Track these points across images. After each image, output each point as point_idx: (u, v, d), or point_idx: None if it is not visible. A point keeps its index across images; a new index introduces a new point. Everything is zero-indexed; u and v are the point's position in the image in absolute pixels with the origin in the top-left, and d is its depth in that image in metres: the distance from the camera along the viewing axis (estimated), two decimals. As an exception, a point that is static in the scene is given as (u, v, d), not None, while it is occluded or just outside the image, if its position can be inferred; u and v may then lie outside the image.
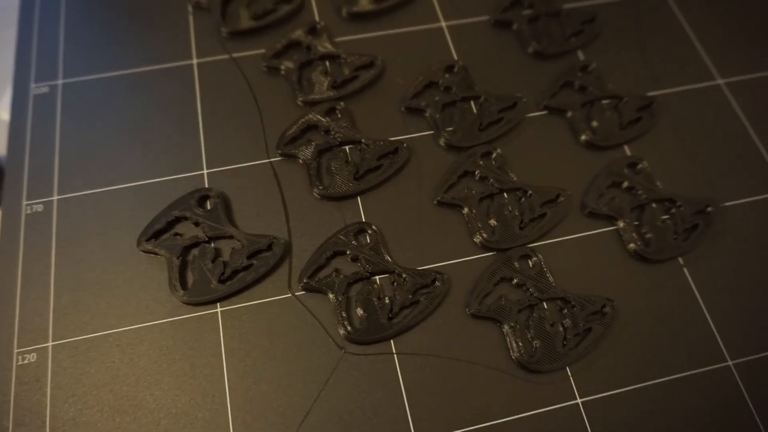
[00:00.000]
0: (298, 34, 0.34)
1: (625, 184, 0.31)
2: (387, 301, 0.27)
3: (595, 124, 0.33)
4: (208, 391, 0.26)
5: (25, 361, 0.26)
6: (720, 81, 0.35)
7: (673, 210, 0.30)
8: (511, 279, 0.28)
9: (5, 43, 0.47)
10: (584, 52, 0.36)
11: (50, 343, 0.26)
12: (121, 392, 0.26)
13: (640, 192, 0.31)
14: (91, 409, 0.25)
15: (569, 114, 0.33)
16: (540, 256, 0.29)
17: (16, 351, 0.26)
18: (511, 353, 0.27)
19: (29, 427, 0.25)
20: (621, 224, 0.30)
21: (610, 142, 0.32)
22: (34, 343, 0.26)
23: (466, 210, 0.30)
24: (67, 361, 0.26)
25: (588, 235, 0.30)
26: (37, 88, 0.33)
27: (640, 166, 0.31)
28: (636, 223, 0.30)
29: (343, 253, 0.28)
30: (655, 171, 0.31)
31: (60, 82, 0.33)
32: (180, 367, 0.26)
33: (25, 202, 0.29)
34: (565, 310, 0.28)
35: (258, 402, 0.26)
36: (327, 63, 0.34)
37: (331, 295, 0.27)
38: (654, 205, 0.30)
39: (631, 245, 0.29)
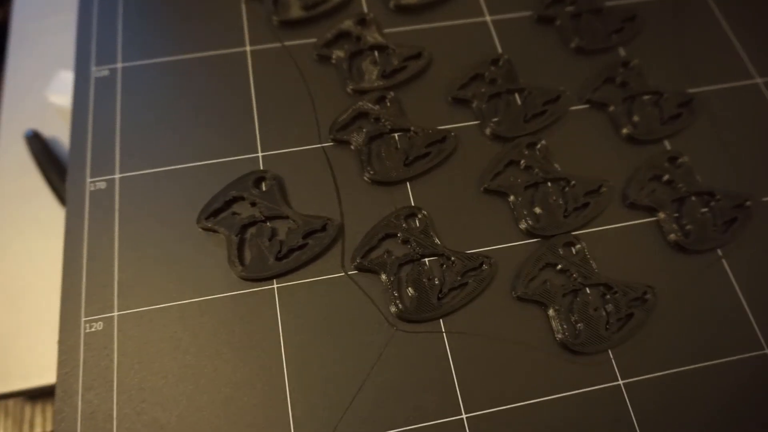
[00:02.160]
0: (348, 24, 0.36)
1: (666, 177, 0.32)
2: (437, 282, 0.29)
3: (636, 118, 0.34)
4: (266, 362, 0.27)
5: (93, 329, 0.28)
6: (759, 80, 0.36)
7: (713, 203, 0.31)
8: (556, 265, 0.29)
9: (51, 29, 0.49)
10: (625, 49, 0.37)
11: (116, 313, 0.28)
12: (183, 361, 0.27)
13: (680, 185, 0.32)
14: (155, 376, 0.27)
15: (611, 108, 0.34)
16: (583, 244, 0.30)
17: (83, 319, 0.28)
18: (556, 335, 0.28)
19: (98, 391, 0.26)
20: (661, 215, 0.31)
21: (650, 136, 0.33)
22: (101, 313, 0.28)
23: (512, 197, 0.31)
24: (132, 330, 0.28)
25: (629, 225, 0.31)
26: (98, 71, 0.34)
27: (680, 160, 0.33)
28: (676, 214, 0.31)
29: (394, 235, 0.30)
30: (694, 165, 0.33)
31: (119, 65, 0.34)
32: (239, 339, 0.28)
33: (88, 179, 0.31)
34: (608, 296, 0.29)
35: (314, 374, 0.27)
36: (376, 53, 0.35)
37: (383, 275, 0.29)
38: (694, 198, 0.32)
39: (672, 236, 0.30)
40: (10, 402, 0.41)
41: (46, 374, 0.37)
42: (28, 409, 0.41)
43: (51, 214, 0.42)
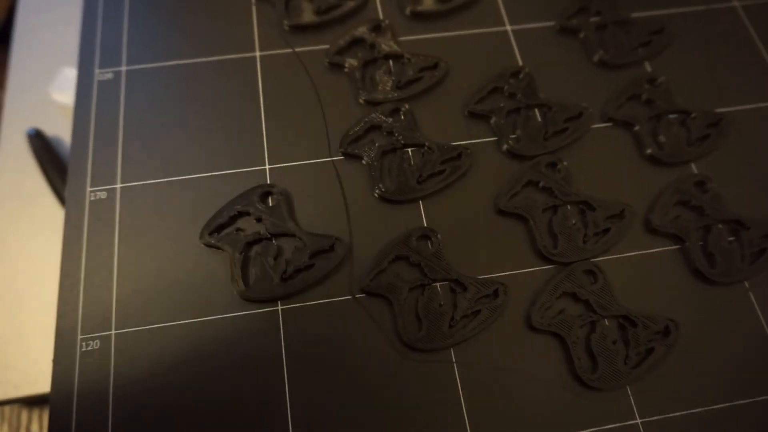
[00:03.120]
0: (362, 31, 0.34)
1: (692, 202, 0.31)
2: (448, 309, 0.28)
3: (661, 138, 0.32)
4: (268, 388, 0.26)
5: (89, 348, 0.27)
6: (792, 101, 0.34)
7: (741, 232, 0.30)
8: (574, 293, 0.28)
9: (57, 23, 0.48)
10: (652, 64, 0.35)
11: (113, 332, 0.27)
12: (182, 383, 0.26)
13: (706, 211, 0.30)
14: (154, 397, 0.26)
15: (636, 127, 0.33)
16: (604, 272, 0.29)
17: (80, 337, 0.27)
18: (573, 368, 0.27)
19: (93, 413, 0.25)
20: (686, 243, 0.30)
21: (676, 158, 0.32)
22: (98, 331, 0.27)
23: (530, 221, 0.30)
24: (129, 350, 0.27)
25: (651, 252, 0.30)
26: (101, 74, 0.33)
27: (708, 185, 0.31)
28: (701, 243, 0.30)
29: (406, 257, 0.29)
30: (722, 190, 0.31)
31: (124, 68, 0.33)
32: (240, 363, 0.26)
33: (89, 189, 0.30)
34: (628, 329, 0.28)
35: (317, 402, 0.26)
36: (390, 62, 0.34)
37: (393, 302, 0.28)
38: (720, 225, 0.30)
39: (696, 266, 0.29)
40: (6, 408, 0.40)
41: (42, 381, 0.36)
42: (24, 415, 0.40)
43: (51, 216, 0.41)
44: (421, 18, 0.36)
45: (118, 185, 0.30)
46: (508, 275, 0.29)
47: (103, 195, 0.30)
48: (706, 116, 0.33)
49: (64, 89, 0.42)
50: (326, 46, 0.34)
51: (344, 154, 0.31)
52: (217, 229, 0.29)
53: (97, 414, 0.25)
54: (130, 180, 0.30)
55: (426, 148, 0.31)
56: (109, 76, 0.33)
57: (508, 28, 0.36)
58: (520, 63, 0.35)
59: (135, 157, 0.31)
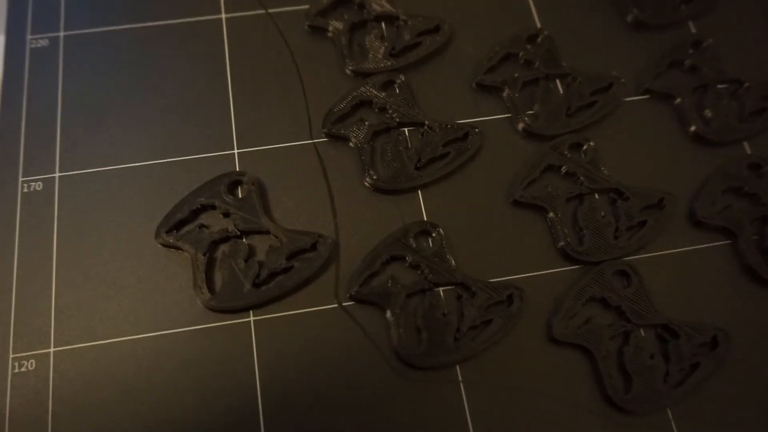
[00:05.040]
0: (349, -13, 0.35)
1: (745, 189, 0.31)
2: (453, 319, 0.28)
3: (708, 113, 0.33)
4: (239, 414, 0.26)
5: (23, 369, 0.27)
6: None
7: (803, 224, 0.30)
8: (604, 300, 0.28)
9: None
10: (696, 24, 0.35)
11: (52, 349, 0.27)
12: (135, 411, 0.26)
13: (763, 200, 0.31)
14: (99, 428, 0.26)
15: (677, 100, 0.33)
16: (639, 273, 0.29)
17: (11, 356, 0.27)
18: (603, 388, 0.27)
19: (28, 448, 0.26)
20: (738, 238, 0.30)
21: (726, 136, 0.32)
22: (33, 349, 0.27)
23: (550, 213, 0.30)
24: (71, 371, 0.27)
25: (695, 249, 0.30)
26: (34, 41, 0.33)
27: (764, 168, 0.31)
28: (756, 237, 0.30)
29: (402, 258, 0.29)
30: (781, 175, 0.32)
31: (62, 34, 0.33)
32: (205, 385, 0.27)
33: (21, 179, 0.30)
34: (668, 340, 0.28)
35: (296, 430, 0.26)
36: (383, 25, 0.34)
37: (387, 311, 0.28)
38: (779, 216, 0.31)
39: (750, 264, 0.29)
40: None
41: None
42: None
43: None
44: (420, -29, 0.36)
45: (57, 174, 0.30)
46: (525, 278, 0.29)
47: (38, 186, 0.30)
48: (763, 86, 0.33)
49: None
50: (306, 7, 0.34)
51: (328, 135, 0.31)
52: (176, 226, 0.29)
53: (33, 448, 0.26)
54: (71, 168, 0.30)
55: (426, 127, 0.31)
56: (44, 43, 0.33)
57: (524, -18, 0.36)
58: (538, 24, 0.35)
59: (76, 140, 0.31)
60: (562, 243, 0.29)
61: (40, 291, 0.28)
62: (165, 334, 0.27)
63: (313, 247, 0.29)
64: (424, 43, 0.33)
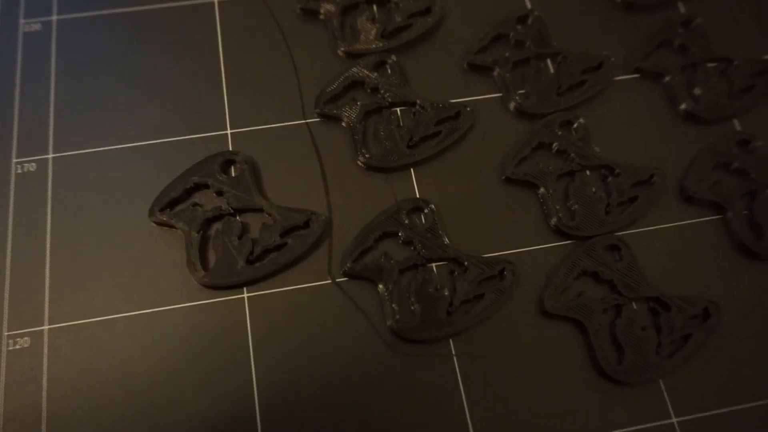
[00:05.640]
0: (340, -30, 0.36)
1: (734, 165, 0.32)
2: (446, 293, 0.29)
3: (697, 91, 0.34)
4: (234, 389, 0.27)
5: (17, 346, 0.28)
6: None
7: (792, 198, 0.32)
8: (595, 273, 0.30)
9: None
10: (685, 4, 0.37)
11: (46, 327, 0.28)
12: (130, 387, 0.27)
13: (752, 175, 0.32)
14: (95, 405, 0.27)
15: (666, 79, 0.34)
16: (630, 247, 0.30)
17: (6, 334, 0.28)
18: (596, 360, 0.28)
19: (22, 422, 0.26)
20: (727, 213, 0.31)
21: (716, 114, 0.33)
22: (28, 326, 0.28)
23: (541, 189, 0.31)
24: (66, 347, 0.28)
25: (686, 224, 0.31)
26: (27, 25, 0.34)
27: (753, 144, 0.33)
28: (746, 212, 0.31)
29: (395, 234, 0.30)
30: (770, 151, 0.33)
31: (55, 18, 0.34)
32: (200, 361, 0.28)
33: (14, 160, 0.31)
34: (660, 312, 0.29)
35: (291, 405, 0.27)
36: (374, 7, 0.35)
37: (379, 284, 0.29)
38: (768, 191, 0.32)
39: (740, 238, 0.30)
40: None
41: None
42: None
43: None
44: (411, -46, 0.37)
45: (50, 155, 0.31)
46: (517, 253, 0.30)
47: (32, 167, 0.31)
48: (751, 64, 0.35)
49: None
50: (297, -11, 0.36)
51: (320, 115, 0.33)
52: (169, 204, 0.30)
53: (27, 425, 0.26)
54: (65, 149, 0.31)
55: (418, 106, 0.33)
56: (37, 27, 0.34)
57: (515, -36, 0.37)
58: (529, 5, 0.36)
59: (70, 122, 0.32)
60: (554, 219, 0.31)
61: (34, 270, 0.29)
62: (159, 311, 0.28)
63: (306, 224, 0.30)
64: (415, 24, 0.35)
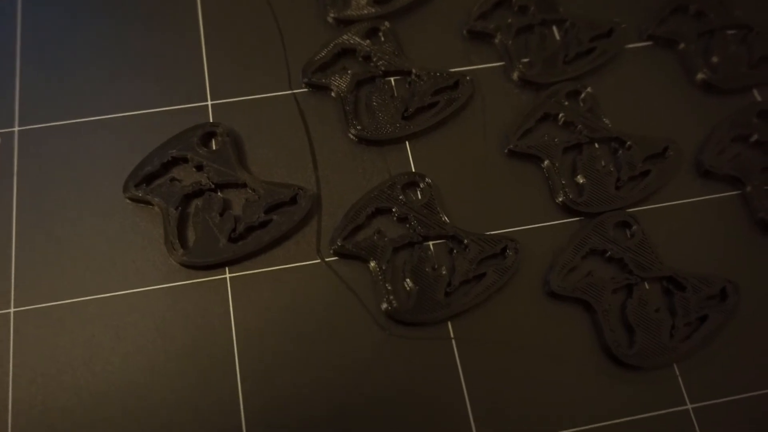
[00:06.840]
0: (330, -69, 0.36)
1: (755, 137, 0.32)
2: (444, 273, 0.29)
3: (715, 59, 0.34)
4: (215, 375, 0.27)
5: (-18, 331, 0.28)
6: None
7: (816, 172, 0.32)
8: (604, 251, 0.29)
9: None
10: (702, -32, 0.37)
11: (11, 309, 0.28)
12: (103, 374, 0.27)
13: (773, 148, 0.32)
14: (65, 392, 0.27)
15: (681, 46, 0.34)
16: (642, 224, 0.30)
17: (-31, 317, 0.28)
18: (605, 343, 0.28)
19: (-13, 412, 0.26)
20: (747, 188, 0.31)
21: (734, 83, 0.33)
22: (-7, 309, 0.28)
23: (546, 162, 0.31)
24: (34, 332, 0.28)
25: (703, 200, 0.31)
26: (-8, -9, 0.34)
27: (774, 115, 0.33)
28: (766, 187, 0.31)
29: (388, 210, 0.30)
30: (792, 122, 0.33)
31: (22, -18, 0.35)
32: (179, 345, 0.28)
33: (-22, 133, 0.31)
34: (674, 293, 0.29)
35: (277, 392, 0.27)
36: (367, -30, 0.35)
37: (372, 263, 0.29)
38: (791, 165, 0.32)
39: (761, 214, 0.30)
40: None
41: None
42: None
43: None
44: None
45: (16, 128, 0.31)
46: (521, 230, 0.30)
47: (-3, 140, 0.31)
48: (771, 31, 0.35)
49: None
50: (284, -48, 0.36)
51: (308, 84, 0.33)
52: (145, 179, 0.30)
53: (-7, 415, 0.26)
54: (32, 121, 0.31)
55: (413, 75, 0.33)
56: (3, -8, 0.34)
57: (518, -74, 0.37)
58: (533, -31, 0.36)
59: (37, 91, 0.32)
60: (561, 196, 0.30)
61: (0, 250, 0.29)
62: (135, 292, 0.28)
63: (293, 200, 0.30)
64: (410, -12, 0.35)
